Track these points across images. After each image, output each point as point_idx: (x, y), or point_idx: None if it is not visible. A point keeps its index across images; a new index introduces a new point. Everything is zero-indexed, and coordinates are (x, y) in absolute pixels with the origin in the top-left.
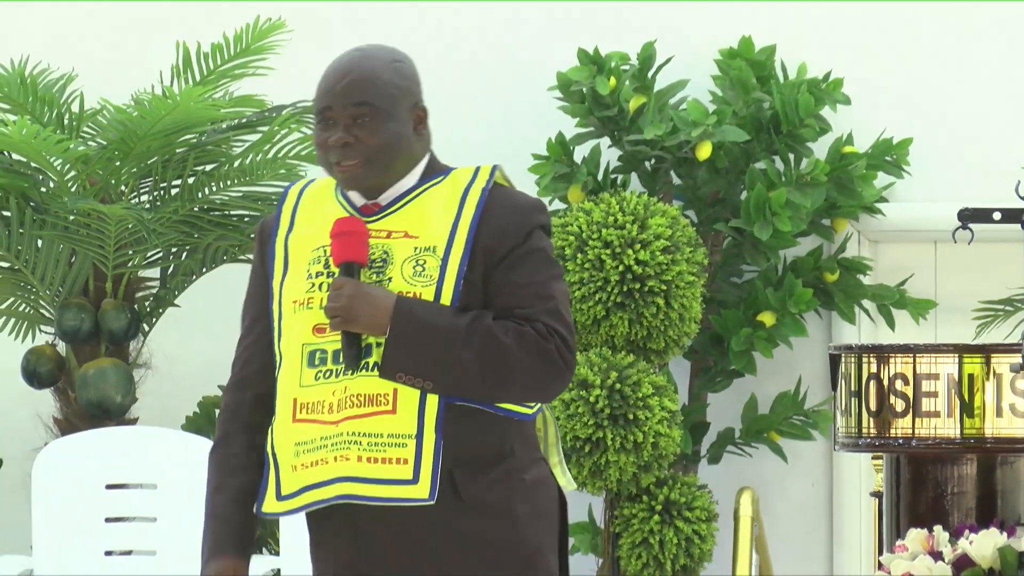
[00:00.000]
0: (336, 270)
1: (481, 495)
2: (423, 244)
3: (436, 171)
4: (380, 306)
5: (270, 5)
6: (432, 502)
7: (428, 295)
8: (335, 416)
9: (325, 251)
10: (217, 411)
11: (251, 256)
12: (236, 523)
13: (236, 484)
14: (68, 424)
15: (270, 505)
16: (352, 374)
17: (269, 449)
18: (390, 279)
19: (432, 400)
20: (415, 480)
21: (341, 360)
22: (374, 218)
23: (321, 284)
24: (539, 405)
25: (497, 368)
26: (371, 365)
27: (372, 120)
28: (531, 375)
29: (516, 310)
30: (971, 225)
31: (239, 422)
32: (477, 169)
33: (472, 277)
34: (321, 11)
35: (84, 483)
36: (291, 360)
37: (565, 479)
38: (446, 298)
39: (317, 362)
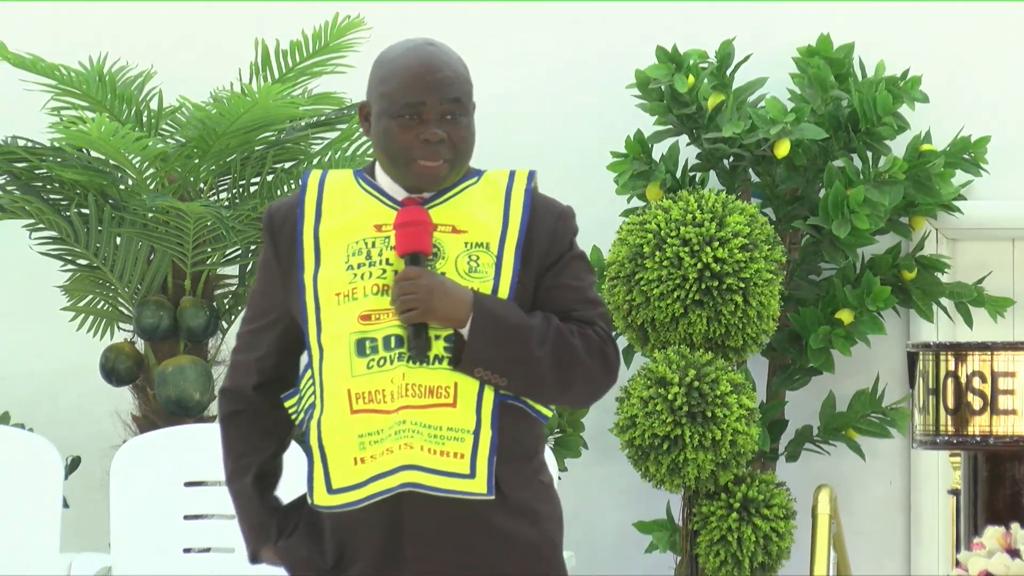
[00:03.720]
0: (383, 260)
1: (515, 493)
2: (474, 240)
3: (469, 172)
4: (459, 299)
5: (349, 4)
6: (492, 497)
7: (485, 291)
8: (392, 405)
9: (367, 243)
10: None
11: None
12: (270, 509)
13: (257, 464)
14: (147, 421)
15: (322, 499)
16: (413, 364)
17: (314, 443)
18: (443, 273)
19: (488, 396)
20: (472, 475)
21: (399, 347)
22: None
23: (363, 274)
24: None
25: (565, 368)
26: (431, 358)
27: (460, 116)
28: (592, 378)
29: (572, 313)
30: None
31: (248, 402)
32: (513, 172)
33: (524, 277)
34: (400, 9)
35: (163, 480)
36: (337, 351)
37: None
38: (503, 295)
39: (368, 351)
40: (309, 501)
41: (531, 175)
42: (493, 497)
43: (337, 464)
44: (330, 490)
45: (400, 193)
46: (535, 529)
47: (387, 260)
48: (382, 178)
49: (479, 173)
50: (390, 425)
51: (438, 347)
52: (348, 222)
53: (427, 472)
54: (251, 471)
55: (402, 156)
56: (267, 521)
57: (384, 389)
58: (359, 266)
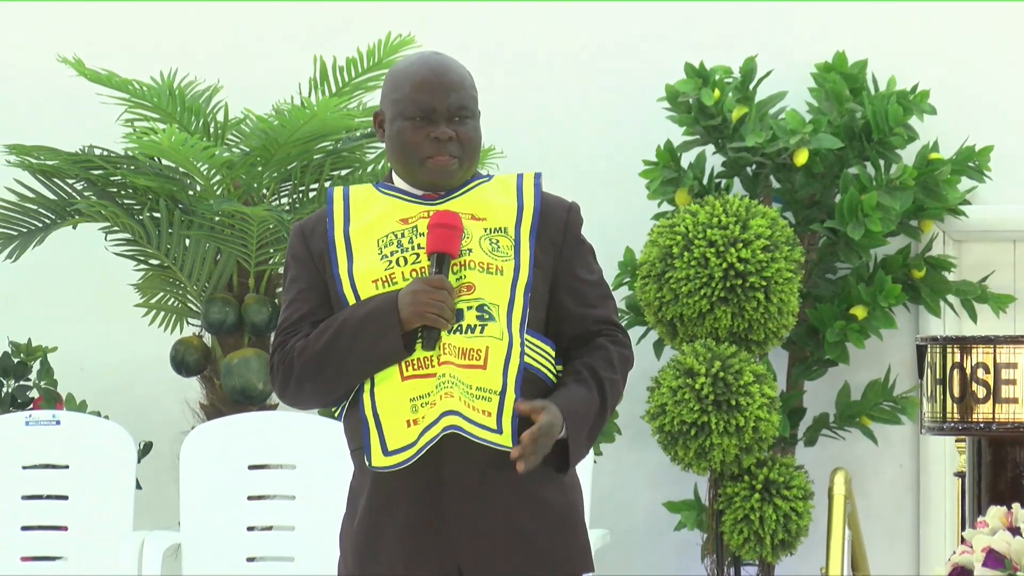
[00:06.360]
0: (415, 247)
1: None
2: (492, 225)
3: (479, 174)
4: (557, 417)
5: (400, 22)
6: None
7: (508, 269)
8: (436, 367)
9: (396, 235)
10: None
11: None
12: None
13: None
14: (213, 409)
15: (379, 460)
16: (448, 333)
17: (368, 412)
18: (470, 250)
19: (515, 360)
20: (499, 431)
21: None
22: (439, 202)
23: (398, 260)
24: None
25: (616, 400)
26: (464, 328)
27: (467, 119)
28: (623, 386)
29: (592, 311)
30: None
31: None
32: (520, 174)
33: (543, 262)
34: (447, 27)
35: (228, 464)
36: None
37: None
38: (523, 272)
39: None
40: (366, 463)
41: (537, 175)
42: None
43: (391, 428)
44: (386, 452)
45: (418, 191)
46: (561, 496)
47: (418, 246)
48: (399, 182)
49: (489, 176)
50: (435, 382)
51: (471, 317)
52: (374, 220)
53: (465, 419)
54: (331, 321)
55: (415, 154)
56: (379, 297)
57: (430, 354)
58: (392, 254)
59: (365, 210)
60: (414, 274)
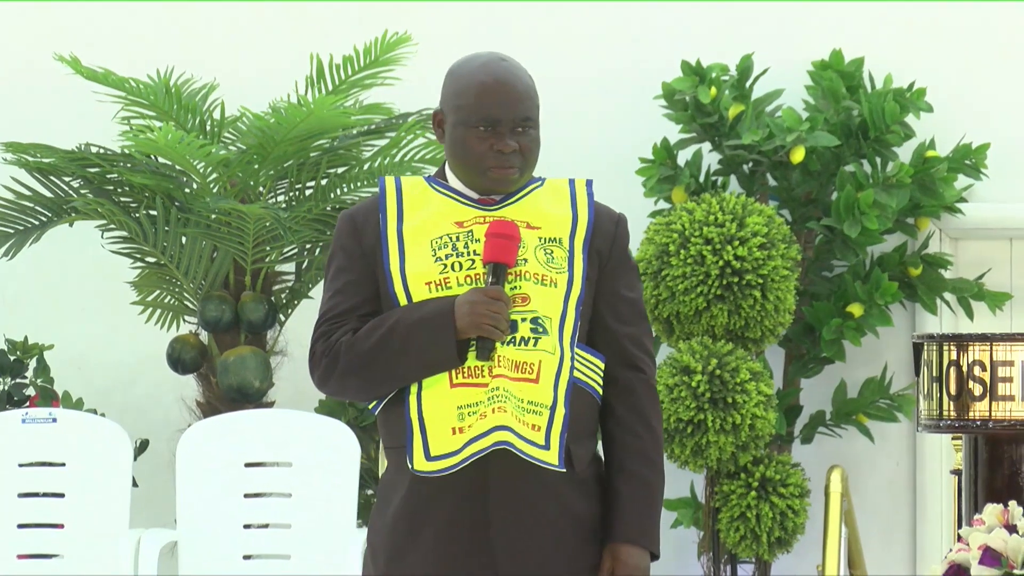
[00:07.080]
0: (470, 252)
1: (584, 469)
2: (547, 235)
3: (531, 178)
4: (644, 567)
5: (399, 21)
6: (563, 469)
7: (562, 281)
8: (487, 377)
9: (451, 237)
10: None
11: None
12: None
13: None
14: (210, 407)
15: (421, 465)
16: (502, 344)
17: (414, 415)
18: (525, 260)
19: (565, 376)
20: (547, 447)
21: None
22: (495, 208)
23: (453, 264)
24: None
25: (661, 450)
26: (518, 340)
27: (530, 129)
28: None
29: (625, 328)
30: None
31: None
32: (572, 180)
33: (590, 273)
34: (446, 26)
35: (225, 462)
36: None
37: None
38: (576, 286)
39: None
40: (408, 467)
41: (589, 183)
42: (564, 470)
43: (436, 433)
44: (428, 457)
45: (473, 194)
46: (598, 510)
47: (474, 252)
48: (454, 181)
49: (541, 179)
50: (487, 392)
51: (525, 329)
52: (428, 220)
53: (516, 436)
54: (382, 320)
55: (477, 164)
56: (434, 303)
57: (482, 365)
58: (447, 257)
59: (418, 207)
60: (468, 280)
